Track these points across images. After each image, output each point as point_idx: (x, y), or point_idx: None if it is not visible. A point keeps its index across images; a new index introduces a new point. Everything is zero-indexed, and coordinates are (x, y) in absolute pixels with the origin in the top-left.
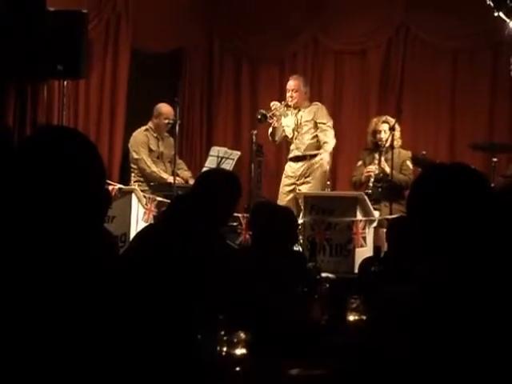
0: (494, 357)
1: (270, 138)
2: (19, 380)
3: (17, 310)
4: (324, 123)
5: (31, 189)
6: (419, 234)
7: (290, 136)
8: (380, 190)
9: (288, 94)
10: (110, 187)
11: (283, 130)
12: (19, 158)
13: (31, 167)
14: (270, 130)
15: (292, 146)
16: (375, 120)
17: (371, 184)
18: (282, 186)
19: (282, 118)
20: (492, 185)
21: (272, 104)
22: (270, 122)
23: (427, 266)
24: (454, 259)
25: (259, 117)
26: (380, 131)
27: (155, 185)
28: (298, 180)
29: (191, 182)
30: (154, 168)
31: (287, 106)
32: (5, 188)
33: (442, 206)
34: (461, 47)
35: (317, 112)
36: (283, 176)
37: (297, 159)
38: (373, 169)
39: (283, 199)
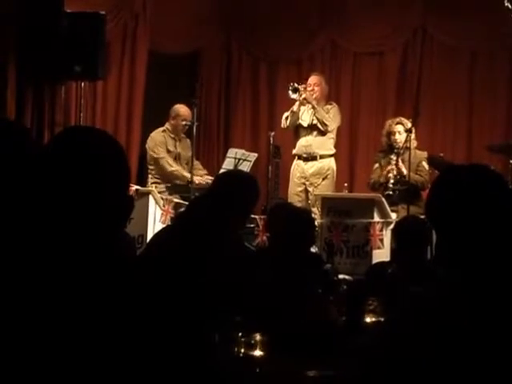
0: None
1: (283, 121)
2: (29, 378)
3: (38, 305)
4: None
5: (55, 190)
6: (438, 236)
7: (305, 132)
8: (397, 192)
9: (309, 89)
10: None
11: (299, 118)
12: (44, 159)
13: (57, 168)
14: (288, 113)
15: (302, 143)
16: (389, 122)
17: (391, 185)
18: (291, 186)
19: (302, 106)
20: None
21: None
22: (299, 99)
23: (447, 269)
24: (475, 261)
25: (291, 88)
26: (394, 133)
27: (172, 186)
28: (307, 181)
29: (207, 178)
30: (175, 167)
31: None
32: (25, 190)
33: (462, 209)
34: (478, 49)
35: (330, 110)
36: (291, 176)
37: (306, 159)
38: (391, 168)
39: (295, 200)
